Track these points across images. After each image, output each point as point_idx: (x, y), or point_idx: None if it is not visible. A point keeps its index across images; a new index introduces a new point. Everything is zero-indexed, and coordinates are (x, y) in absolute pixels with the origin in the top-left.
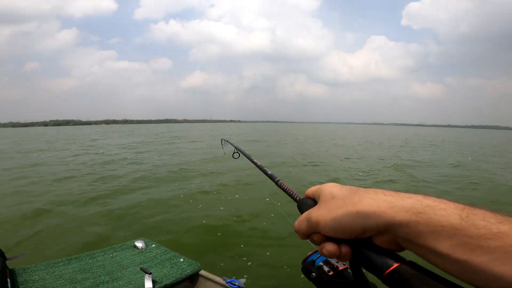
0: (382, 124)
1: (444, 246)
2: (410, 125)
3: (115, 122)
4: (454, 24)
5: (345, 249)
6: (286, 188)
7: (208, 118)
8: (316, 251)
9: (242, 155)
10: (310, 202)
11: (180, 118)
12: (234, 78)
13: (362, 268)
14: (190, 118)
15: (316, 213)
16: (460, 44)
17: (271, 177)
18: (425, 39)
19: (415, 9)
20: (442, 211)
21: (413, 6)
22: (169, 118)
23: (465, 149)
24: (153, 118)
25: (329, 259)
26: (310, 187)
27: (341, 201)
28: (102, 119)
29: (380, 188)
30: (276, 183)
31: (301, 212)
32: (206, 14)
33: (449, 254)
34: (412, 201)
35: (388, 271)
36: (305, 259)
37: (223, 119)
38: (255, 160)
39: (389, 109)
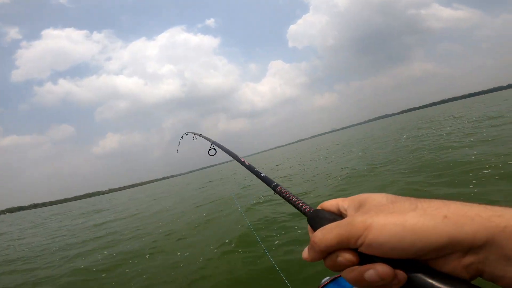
0: (304, 139)
1: None
2: (325, 133)
3: (21, 208)
4: (324, 38)
5: (400, 273)
6: (289, 197)
7: (138, 182)
8: (336, 278)
9: (222, 152)
10: (331, 216)
11: (105, 188)
12: (153, 132)
13: None
14: (116, 186)
15: (363, 217)
16: (332, 54)
17: (266, 181)
18: (309, 56)
19: (295, 31)
20: None
21: (292, 29)
22: (90, 192)
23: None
24: (71, 196)
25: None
26: None
27: (412, 205)
28: (3, 208)
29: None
30: (274, 189)
31: (315, 228)
32: (104, 68)
33: None
34: (503, 212)
35: None
36: None
37: (154, 178)
38: (242, 159)
39: (304, 124)
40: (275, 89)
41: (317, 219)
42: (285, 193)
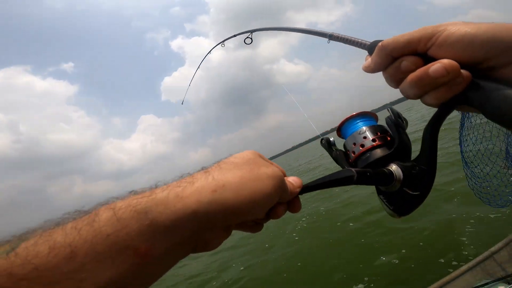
0: None
1: None
2: None
3: None
4: (197, 92)
5: (465, 72)
6: (347, 38)
7: None
8: (361, 114)
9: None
10: None
11: None
12: None
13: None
14: None
15: (439, 24)
16: (204, 108)
17: (321, 34)
18: (182, 110)
19: (169, 83)
20: None
21: (166, 81)
22: None
23: None
24: None
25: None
26: None
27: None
28: None
29: None
30: (330, 37)
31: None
32: None
33: None
34: None
35: None
36: (343, 122)
37: None
38: (287, 26)
39: None
40: (145, 145)
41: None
42: (343, 36)
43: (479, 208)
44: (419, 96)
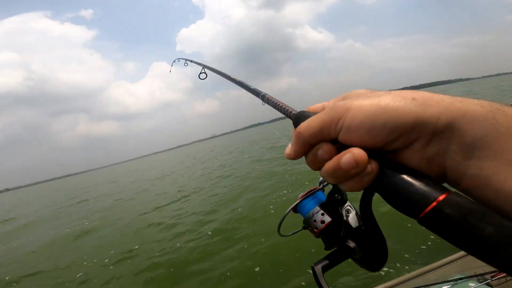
0: (185, 145)
1: None
2: (205, 139)
3: None
4: (212, 46)
5: (373, 163)
6: (277, 103)
7: None
8: (313, 190)
9: (212, 73)
10: (315, 113)
11: None
12: None
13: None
14: None
15: (345, 101)
16: (217, 63)
17: (255, 92)
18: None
19: (185, 35)
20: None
21: (183, 33)
22: None
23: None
24: None
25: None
26: None
27: (387, 92)
28: None
29: None
30: (262, 98)
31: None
32: None
33: None
34: (475, 101)
35: (431, 206)
36: (299, 202)
37: None
38: (232, 76)
39: (185, 130)
40: (154, 92)
41: (302, 117)
42: (272, 100)
43: None
44: (337, 184)
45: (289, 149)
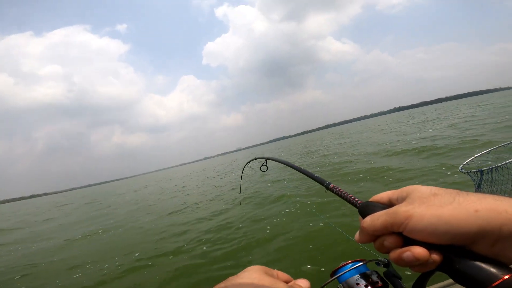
0: (210, 157)
1: None
2: (230, 152)
3: None
4: (236, 59)
5: (436, 255)
6: (341, 192)
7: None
8: (355, 261)
9: (276, 164)
10: (379, 206)
11: None
12: (17, 141)
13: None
14: None
15: (407, 208)
16: (241, 76)
17: (319, 181)
18: (220, 75)
19: (211, 49)
20: None
21: (209, 46)
22: None
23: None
24: None
25: (368, 273)
26: None
27: (450, 198)
28: None
29: None
30: (327, 187)
31: (365, 216)
32: None
33: None
34: None
35: (496, 283)
36: (336, 270)
37: (11, 197)
38: (296, 165)
39: (211, 142)
40: (181, 104)
41: (367, 209)
42: (338, 189)
43: None
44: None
45: (357, 236)
